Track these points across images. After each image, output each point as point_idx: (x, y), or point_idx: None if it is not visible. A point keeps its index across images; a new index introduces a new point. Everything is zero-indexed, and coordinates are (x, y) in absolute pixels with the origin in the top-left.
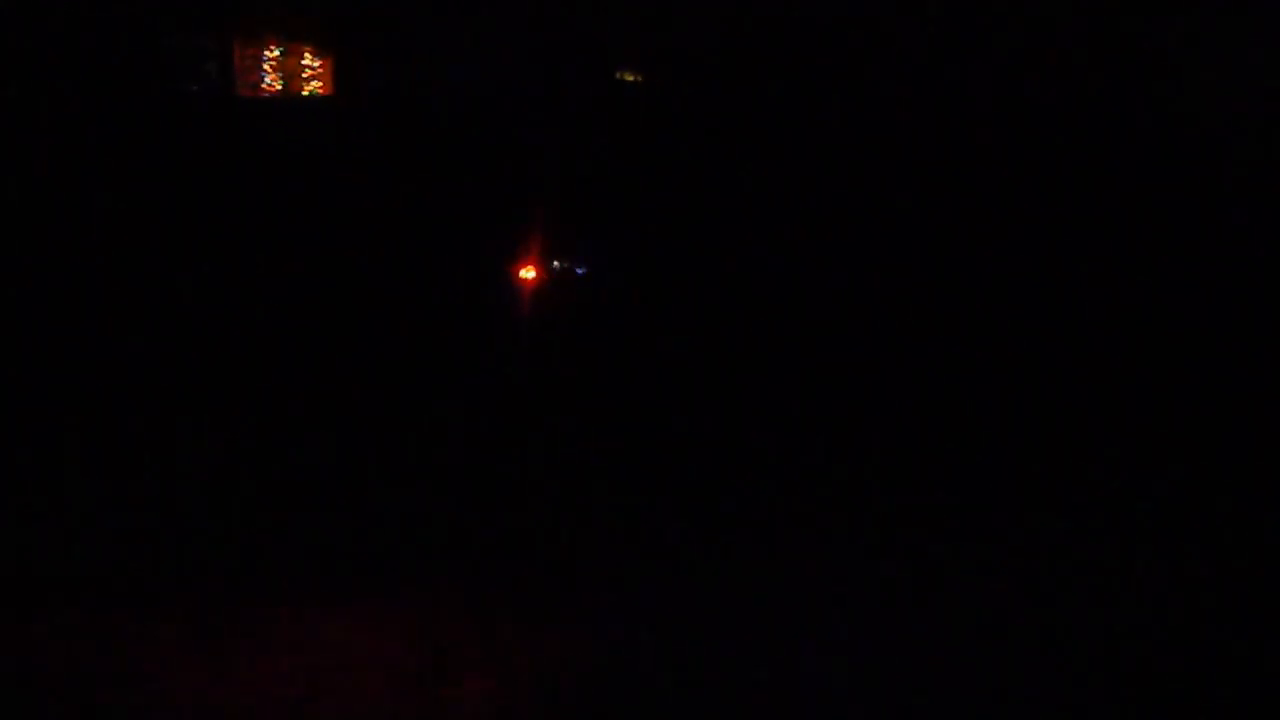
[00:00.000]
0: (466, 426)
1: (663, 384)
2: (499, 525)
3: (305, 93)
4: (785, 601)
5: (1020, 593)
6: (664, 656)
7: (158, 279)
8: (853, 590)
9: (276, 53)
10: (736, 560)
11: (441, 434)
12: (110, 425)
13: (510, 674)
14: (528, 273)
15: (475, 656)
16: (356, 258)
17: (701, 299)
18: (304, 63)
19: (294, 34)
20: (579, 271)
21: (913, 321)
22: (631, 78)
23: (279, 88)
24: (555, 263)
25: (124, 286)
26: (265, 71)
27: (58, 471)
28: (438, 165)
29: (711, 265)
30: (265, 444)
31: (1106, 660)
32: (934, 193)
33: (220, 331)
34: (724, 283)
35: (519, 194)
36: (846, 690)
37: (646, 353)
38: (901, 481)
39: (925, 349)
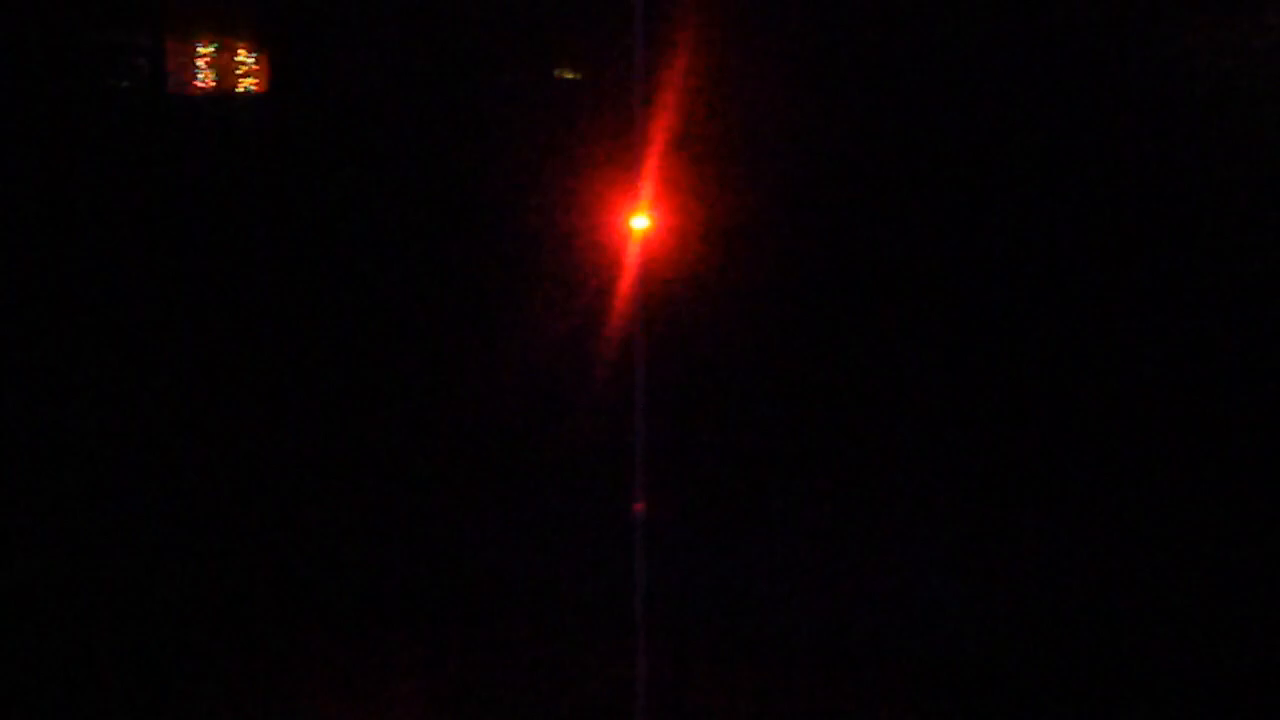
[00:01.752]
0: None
1: None
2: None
3: (240, 89)
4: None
5: None
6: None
7: (92, 291)
8: None
9: (210, 48)
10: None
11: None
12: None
13: (448, 677)
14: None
15: (416, 659)
16: (292, 263)
17: None
18: (238, 59)
19: (228, 28)
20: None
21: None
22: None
23: (213, 85)
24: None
25: (60, 302)
26: (198, 68)
27: None
28: (376, 164)
29: None
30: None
31: None
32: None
33: (184, 346)
34: None
35: (472, 194)
36: None
37: None
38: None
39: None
